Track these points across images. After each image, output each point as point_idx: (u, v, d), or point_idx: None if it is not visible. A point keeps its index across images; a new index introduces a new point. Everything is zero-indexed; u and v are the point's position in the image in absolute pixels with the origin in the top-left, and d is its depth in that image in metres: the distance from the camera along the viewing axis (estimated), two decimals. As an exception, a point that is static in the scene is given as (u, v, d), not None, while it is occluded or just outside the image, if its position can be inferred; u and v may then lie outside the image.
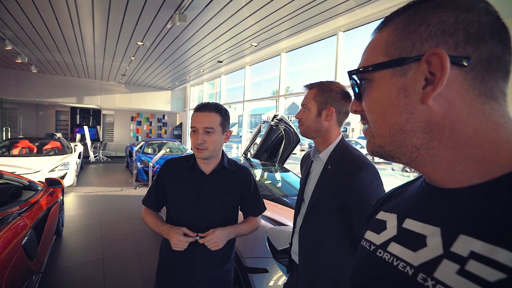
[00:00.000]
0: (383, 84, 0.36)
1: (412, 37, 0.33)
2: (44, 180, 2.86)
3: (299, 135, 2.96)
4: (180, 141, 10.15)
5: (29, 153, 5.71)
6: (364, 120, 0.42)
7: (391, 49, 0.35)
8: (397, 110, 0.35)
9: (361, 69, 0.39)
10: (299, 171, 1.33)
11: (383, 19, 0.39)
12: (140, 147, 7.51)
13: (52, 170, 5.07)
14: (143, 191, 5.78)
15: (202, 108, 1.10)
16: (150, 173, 5.48)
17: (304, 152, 1.36)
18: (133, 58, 5.87)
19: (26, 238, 1.72)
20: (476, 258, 0.27)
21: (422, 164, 0.36)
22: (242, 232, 1.18)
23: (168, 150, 7.57)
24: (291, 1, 3.00)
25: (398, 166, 8.55)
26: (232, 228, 1.13)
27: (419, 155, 0.35)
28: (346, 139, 1.09)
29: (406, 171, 8.34)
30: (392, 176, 8.41)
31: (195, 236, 1.05)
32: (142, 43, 4.78)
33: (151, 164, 5.47)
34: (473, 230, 0.29)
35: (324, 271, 0.99)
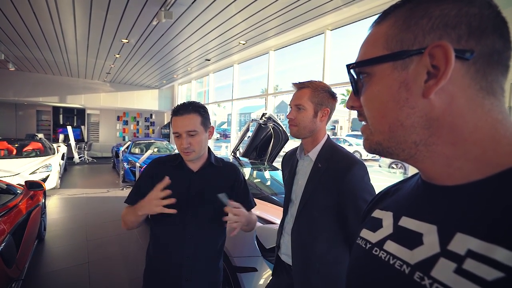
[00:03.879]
0: (384, 78, 0.35)
1: (413, 30, 0.33)
2: (24, 183, 2.74)
3: (288, 134, 2.97)
4: (168, 141, 9.98)
5: (8, 155, 5.43)
6: (361, 116, 0.41)
7: (392, 42, 0.34)
8: (398, 105, 0.34)
9: (361, 62, 0.38)
10: None
11: (381, 13, 0.38)
12: (127, 147, 7.33)
13: (33, 172, 4.87)
14: (130, 192, 5.65)
15: (180, 111, 1.07)
16: (137, 174, 5.36)
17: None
18: (118, 56, 5.71)
19: (3, 245, 1.65)
20: (474, 257, 0.27)
21: (420, 160, 0.35)
22: (252, 220, 1.16)
23: (155, 150, 7.43)
24: (279, -1, 2.99)
25: (384, 163, 8.77)
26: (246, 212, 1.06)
27: (418, 151, 0.35)
28: (334, 137, 1.11)
29: (393, 167, 8.57)
30: (379, 173, 8.62)
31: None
32: (127, 41, 4.65)
33: (138, 165, 5.36)
34: (471, 228, 0.29)
35: (320, 268, 1.00)
